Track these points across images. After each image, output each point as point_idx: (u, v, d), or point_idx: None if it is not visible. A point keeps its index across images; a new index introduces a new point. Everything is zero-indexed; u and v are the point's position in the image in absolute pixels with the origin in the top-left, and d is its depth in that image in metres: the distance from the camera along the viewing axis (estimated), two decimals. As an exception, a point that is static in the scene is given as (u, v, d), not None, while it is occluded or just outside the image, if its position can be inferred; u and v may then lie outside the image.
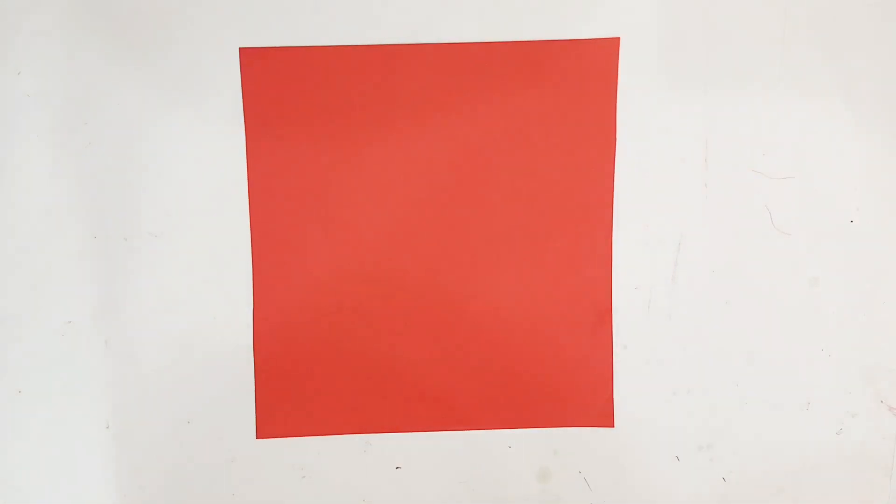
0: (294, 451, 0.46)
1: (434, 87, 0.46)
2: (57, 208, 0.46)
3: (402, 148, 0.46)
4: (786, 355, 0.47)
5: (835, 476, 0.47)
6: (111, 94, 0.46)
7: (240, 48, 0.46)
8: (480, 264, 0.47)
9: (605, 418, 0.47)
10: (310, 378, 0.47)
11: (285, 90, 0.46)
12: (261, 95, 0.46)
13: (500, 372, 0.47)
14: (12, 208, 0.46)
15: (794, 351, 0.47)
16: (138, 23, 0.46)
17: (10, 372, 0.46)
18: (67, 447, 0.47)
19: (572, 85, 0.46)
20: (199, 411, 0.47)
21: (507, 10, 0.46)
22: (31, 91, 0.46)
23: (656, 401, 0.47)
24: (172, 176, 0.46)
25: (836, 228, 0.47)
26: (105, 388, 0.46)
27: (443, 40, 0.46)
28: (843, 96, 0.46)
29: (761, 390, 0.47)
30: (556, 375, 0.47)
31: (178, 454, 0.47)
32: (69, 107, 0.46)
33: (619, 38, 0.46)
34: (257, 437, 0.47)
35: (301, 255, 0.46)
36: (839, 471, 0.47)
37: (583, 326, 0.47)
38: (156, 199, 0.46)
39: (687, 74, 0.46)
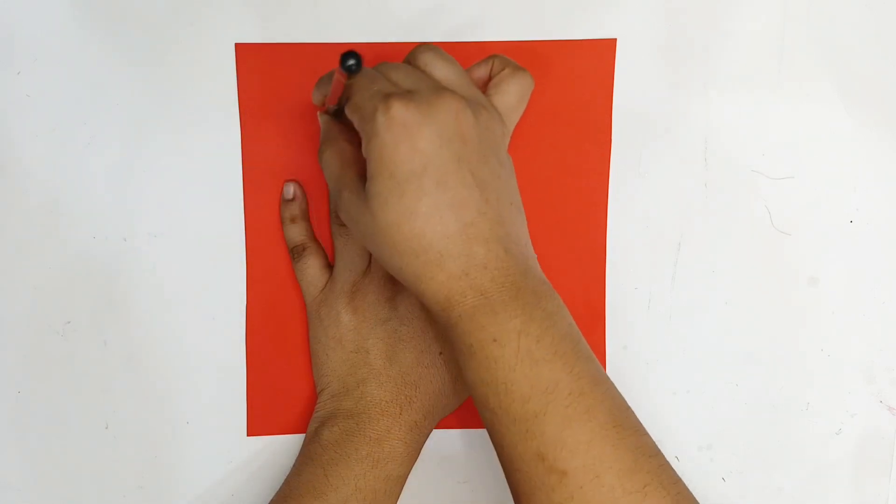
0: (292, 449, 0.46)
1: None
2: (57, 208, 0.46)
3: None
4: (786, 355, 0.47)
5: (834, 476, 0.47)
6: (111, 93, 0.46)
7: (236, 44, 0.46)
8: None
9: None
10: (302, 376, 0.47)
11: (281, 86, 0.46)
12: (256, 91, 0.46)
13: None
14: (12, 208, 0.46)
15: (793, 351, 0.47)
16: (136, 21, 0.46)
17: (10, 372, 0.46)
18: (67, 447, 0.47)
19: (569, 85, 0.46)
20: (198, 411, 0.47)
21: (504, 9, 0.46)
22: (31, 91, 0.46)
23: (656, 401, 0.47)
24: (171, 175, 0.46)
25: (836, 228, 0.47)
26: (105, 388, 0.47)
27: (439, 39, 0.46)
28: (843, 96, 0.46)
29: (761, 390, 0.47)
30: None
31: (178, 454, 0.47)
32: (69, 107, 0.46)
33: (615, 39, 0.46)
34: (248, 435, 0.47)
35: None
36: (839, 471, 0.47)
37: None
38: (155, 199, 0.46)
39: (687, 74, 0.46)
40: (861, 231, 0.47)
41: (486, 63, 0.41)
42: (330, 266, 0.46)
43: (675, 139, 0.47)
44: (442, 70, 0.38)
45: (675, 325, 0.47)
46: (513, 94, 0.40)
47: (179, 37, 0.46)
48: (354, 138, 0.38)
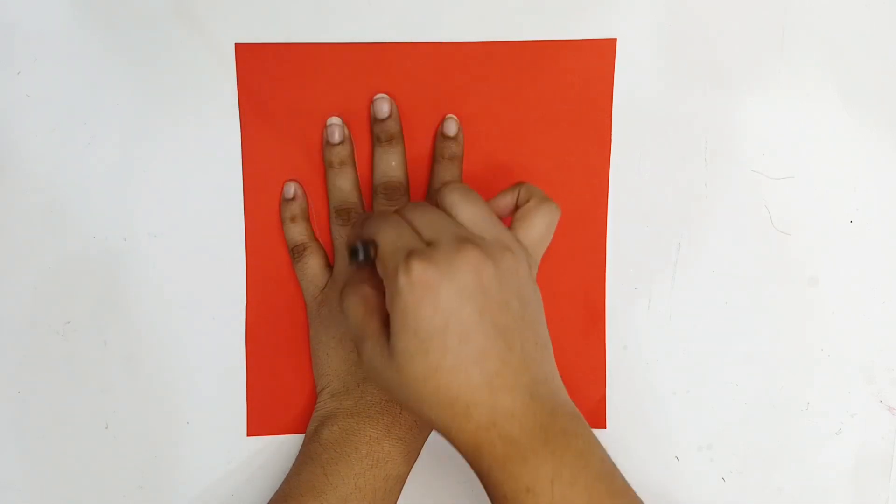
0: (292, 449, 0.46)
1: (430, 86, 0.46)
2: (57, 208, 0.46)
3: (402, 148, 0.46)
4: (785, 355, 0.47)
5: (834, 476, 0.47)
6: (111, 93, 0.46)
7: (236, 44, 0.46)
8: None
9: (597, 419, 0.47)
10: (303, 376, 0.47)
11: (281, 86, 0.46)
12: (256, 91, 0.46)
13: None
14: (12, 208, 0.46)
15: (793, 351, 0.47)
16: (136, 21, 0.46)
17: (10, 372, 0.46)
18: (67, 447, 0.47)
19: (569, 85, 0.46)
20: (198, 411, 0.47)
21: (504, 9, 0.46)
22: (31, 91, 0.46)
23: (656, 401, 0.47)
24: (171, 175, 0.46)
25: (836, 228, 0.47)
26: (105, 388, 0.47)
27: (439, 39, 0.46)
28: (843, 96, 0.46)
29: (761, 390, 0.47)
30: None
31: (178, 454, 0.47)
32: (69, 107, 0.46)
33: (615, 39, 0.46)
34: (248, 435, 0.47)
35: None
36: (839, 471, 0.47)
37: (576, 327, 0.47)
38: (155, 199, 0.46)
39: (687, 74, 0.46)
40: (861, 231, 0.47)
41: (511, 192, 0.40)
42: (330, 266, 0.46)
43: (675, 139, 0.47)
44: (466, 212, 0.38)
45: (675, 325, 0.47)
46: (539, 228, 0.39)
47: (179, 37, 0.46)
48: (380, 284, 0.38)
